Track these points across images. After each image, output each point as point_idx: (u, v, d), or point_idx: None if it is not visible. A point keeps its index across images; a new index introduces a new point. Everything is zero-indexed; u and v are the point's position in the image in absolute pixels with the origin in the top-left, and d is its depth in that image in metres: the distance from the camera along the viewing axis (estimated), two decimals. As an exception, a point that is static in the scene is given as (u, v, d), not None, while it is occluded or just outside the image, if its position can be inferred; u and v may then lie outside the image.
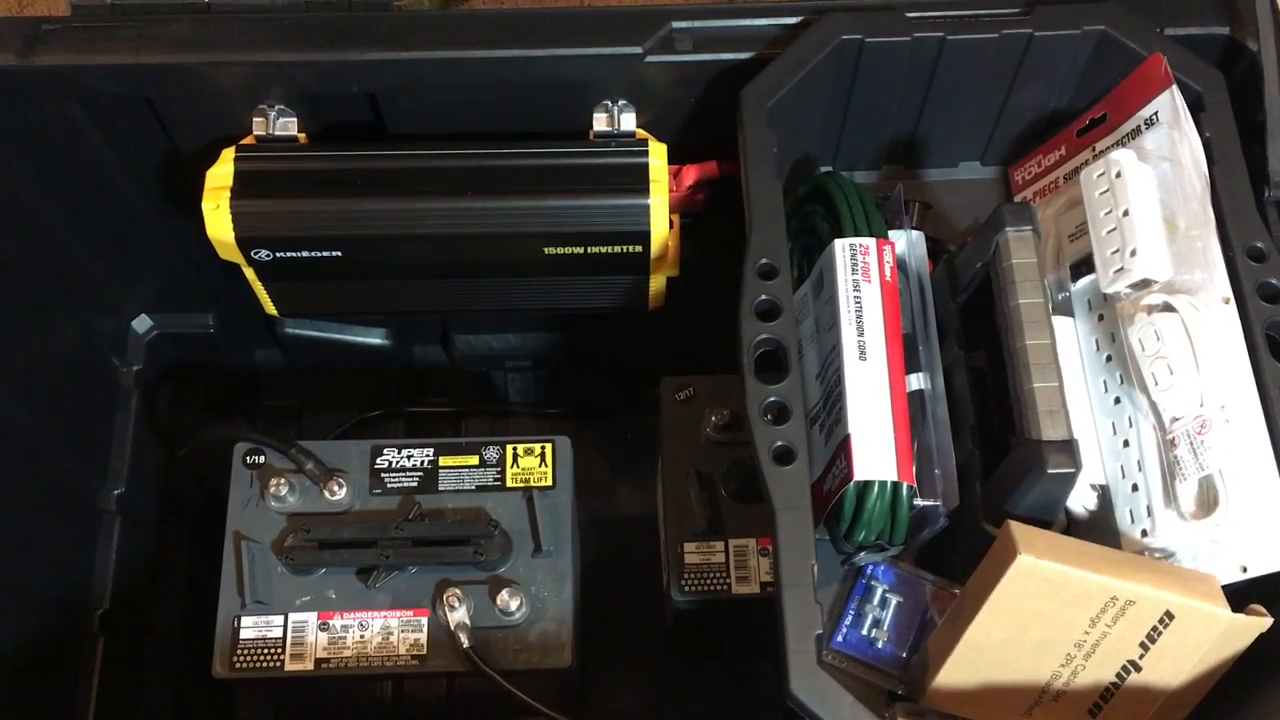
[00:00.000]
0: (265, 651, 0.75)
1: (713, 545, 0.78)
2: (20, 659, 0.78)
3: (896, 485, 0.61)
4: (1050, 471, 0.57)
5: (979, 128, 0.76)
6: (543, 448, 0.80)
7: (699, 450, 0.81)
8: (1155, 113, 0.67)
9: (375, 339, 0.96)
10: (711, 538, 0.79)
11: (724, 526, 0.79)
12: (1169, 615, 0.57)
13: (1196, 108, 0.67)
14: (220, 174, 0.71)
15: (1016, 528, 0.57)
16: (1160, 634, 0.57)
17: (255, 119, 0.72)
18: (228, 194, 0.71)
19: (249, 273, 0.75)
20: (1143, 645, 0.58)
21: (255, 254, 0.73)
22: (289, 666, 0.74)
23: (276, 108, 0.72)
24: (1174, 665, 0.58)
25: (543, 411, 1.06)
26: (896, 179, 0.78)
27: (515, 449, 0.80)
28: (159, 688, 0.92)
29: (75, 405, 0.86)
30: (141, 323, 0.94)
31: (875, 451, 0.61)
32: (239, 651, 0.75)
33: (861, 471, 0.60)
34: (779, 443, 0.58)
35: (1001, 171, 0.79)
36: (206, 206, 0.71)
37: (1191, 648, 0.57)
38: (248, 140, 0.73)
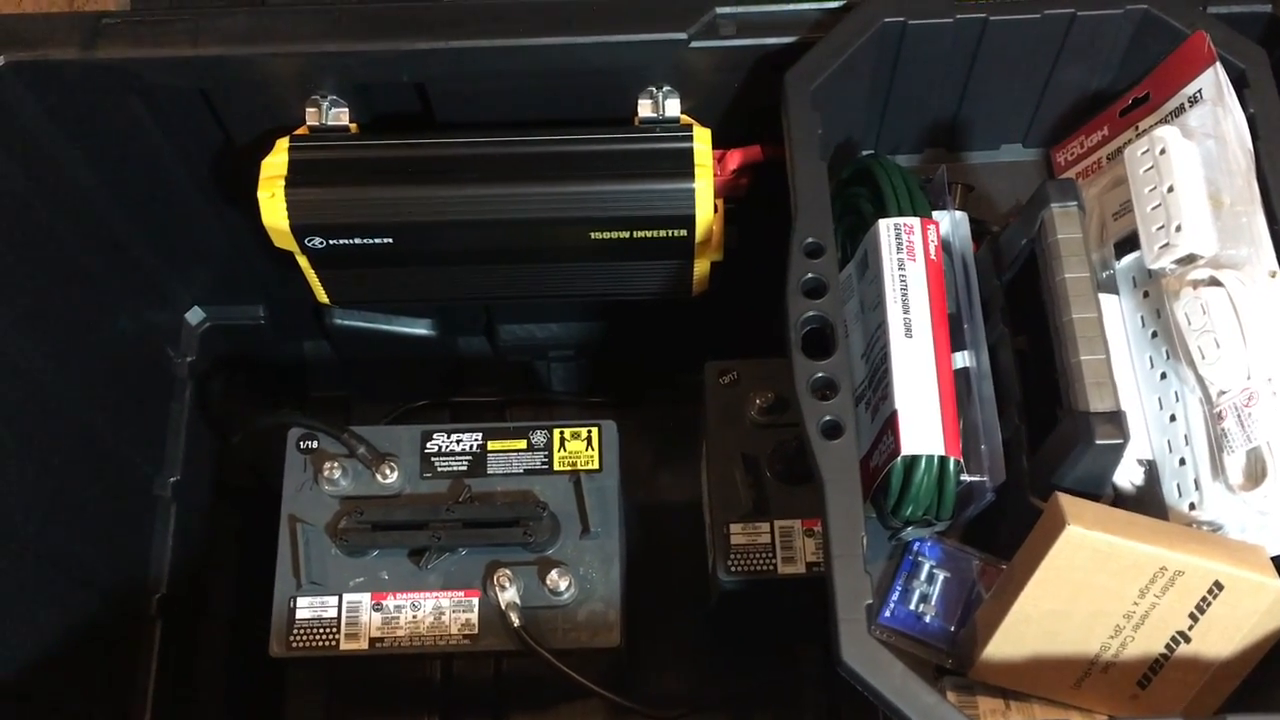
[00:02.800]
0: (321, 631, 0.76)
1: (758, 526, 0.79)
2: (82, 641, 0.80)
3: (944, 459, 0.61)
4: (1098, 443, 0.58)
5: (1021, 109, 0.76)
6: (589, 432, 0.81)
7: (743, 433, 0.82)
8: (1199, 90, 0.67)
9: (421, 330, 0.98)
10: (757, 519, 0.79)
11: (769, 508, 0.80)
12: (1218, 585, 0.57)
13: (1240, 85, 0.67)
14: (275, 163, 0.73)
15: (1065, 499, 0.57)
16: (1209, 604, 0.57)
17: (308, 109, 0.73)
18: (282, 183, 0.72)
19: (302, 260, 0.77)
20: (1192, 616, 0.58)
21: (309, 241, 0.74)
22: (344, 646, 0.76)
23: (329, 98, 0.73)
24: (1223, 636, 0.58)
25: (586, 400, 1.07)
26: (938, 162, 0.78)
27: (562, 433, 0.81)
28: (214, 669, 0.93)
29: (132, 395, 0.88)
30: (194, 315, 0.96)
31: (922, 426, 0.61)
32: (295, 631, 0.76)
33: (909, 446, 0.61)
34: (827, 417, 0.59)
35: (1043, 153, 0.79)
36: (262, 195, 0.72)
37: (1241, 618, 0.57)
38: (301, 130, 0.74)
